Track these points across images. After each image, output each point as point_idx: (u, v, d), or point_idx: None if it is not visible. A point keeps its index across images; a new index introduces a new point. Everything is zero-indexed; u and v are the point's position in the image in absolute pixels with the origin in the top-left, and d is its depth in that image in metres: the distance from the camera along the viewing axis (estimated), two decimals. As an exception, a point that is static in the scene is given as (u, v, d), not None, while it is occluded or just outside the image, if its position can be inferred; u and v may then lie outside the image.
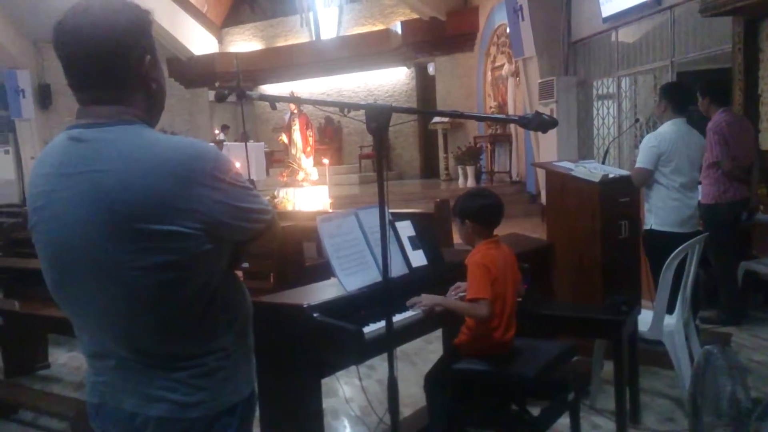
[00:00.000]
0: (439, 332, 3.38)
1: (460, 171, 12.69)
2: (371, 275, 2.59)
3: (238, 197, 1.44)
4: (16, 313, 4.37)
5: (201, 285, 1.44)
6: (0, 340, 4.68)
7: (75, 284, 1.44)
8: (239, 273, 1.85)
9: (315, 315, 2.32)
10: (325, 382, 2.60)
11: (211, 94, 16.83)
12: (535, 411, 2.72)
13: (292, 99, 8.42)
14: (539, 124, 1.86)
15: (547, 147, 9.79)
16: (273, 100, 2.38)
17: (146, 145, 1.37)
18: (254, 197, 1.49)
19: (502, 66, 12.40)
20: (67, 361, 4.98)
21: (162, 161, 1.35)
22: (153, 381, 1.46)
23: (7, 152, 14.92)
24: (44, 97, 15.79)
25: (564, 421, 2.85)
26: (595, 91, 9.90)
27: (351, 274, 2.55)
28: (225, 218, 1.41)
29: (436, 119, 13.51)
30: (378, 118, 1.77)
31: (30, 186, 1.50)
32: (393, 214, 2.95)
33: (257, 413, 1.73)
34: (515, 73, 11.48)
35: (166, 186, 1.33)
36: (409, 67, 16.07)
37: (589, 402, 3.58)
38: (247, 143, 10.94)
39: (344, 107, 2.09)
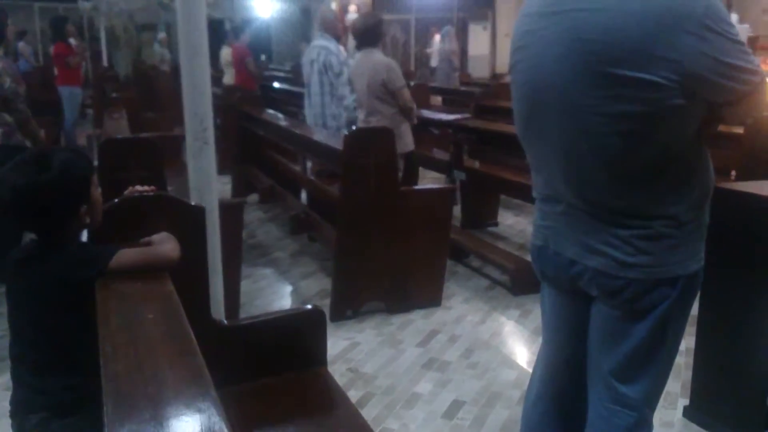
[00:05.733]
0: None
1: None
2: None
3: (725, 51, 1.26)
4: (476, 171, 4.84)
5: (663, 144, 1.34)
6: (461, 193, 5.28)
7: (541, 124, 1.47)
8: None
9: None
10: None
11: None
12: None
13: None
14: None
15: None
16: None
17: None
18: (744, 54, 1.29)
19: None
20: (513, 223, 5.39)
21: (649, 3, 1.25)
22: (596, 233, 1.46)
23: (485, 28, 16.01)
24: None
25: None
26: None
27: None
28: (706, 72, 1.26)
29: None
30: None
31: (515, 27, 1.54)
32: None
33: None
34: None
35: (648, 30, 1.24)
36: None
37: None
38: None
39: None
